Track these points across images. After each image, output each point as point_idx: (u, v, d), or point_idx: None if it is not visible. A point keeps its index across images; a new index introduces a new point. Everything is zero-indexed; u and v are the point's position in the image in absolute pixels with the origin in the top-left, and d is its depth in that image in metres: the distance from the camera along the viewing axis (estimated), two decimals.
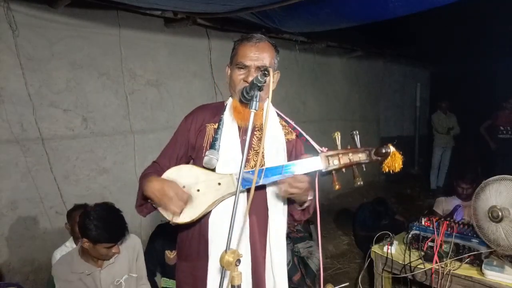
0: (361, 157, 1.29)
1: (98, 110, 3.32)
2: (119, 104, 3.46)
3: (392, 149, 1.25)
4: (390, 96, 7.53)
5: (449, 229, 2.54)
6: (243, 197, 1.41)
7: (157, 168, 1.50)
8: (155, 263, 2.71)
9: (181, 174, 1.39)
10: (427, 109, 8.58)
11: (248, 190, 1.32)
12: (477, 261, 2.37)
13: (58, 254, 2.45)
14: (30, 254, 2.96)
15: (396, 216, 4.75)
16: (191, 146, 1.50)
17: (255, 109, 1.18)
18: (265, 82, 1.20)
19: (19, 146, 2.87)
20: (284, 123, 1.56)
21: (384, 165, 1.31)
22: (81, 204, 2.56)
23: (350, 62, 6.28)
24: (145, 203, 1.45)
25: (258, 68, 1.38)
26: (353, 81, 6.46)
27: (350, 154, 1.30)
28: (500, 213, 2.21)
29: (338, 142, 1.38)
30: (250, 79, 1.34)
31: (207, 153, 1.39)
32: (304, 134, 1.50)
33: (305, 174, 1.36)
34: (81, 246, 1.99)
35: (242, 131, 1.44)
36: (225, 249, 1.10)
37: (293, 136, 1.55)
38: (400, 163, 1.28)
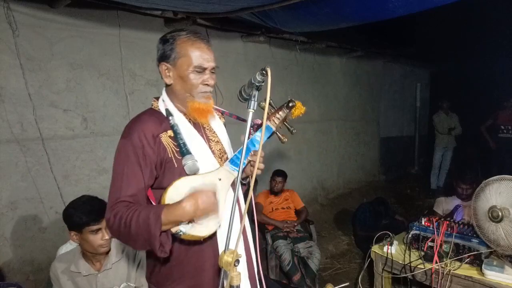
0: (281, 113, 1.52)
1: (98, 110, 3.32)
2: (119, 104, 3.46)
3: (295, 102, 1.50)
4: (390, 96, 7.53)
5: (449, 229, 2.54)
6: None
7: (134, 204, 1.28)
8: None
9: (182, 190, 1.30)
10: (427, 109, 8.59)
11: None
12: (477, 261, 2.37)
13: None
14: (30, 254, 2.96)
15: (396, 216, 4.76)
16: (153, 164, 1.34)
17: (253, 109, 1.21)
18: (263, 81, 1.22)
19: (19, 146, 2.87)
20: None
21: (292, 114, 1.52)
22: None
23: (350, 62, 6.28)
24: (162, 238, 1.26)
25: (213, 68, 1.41)
26: (353, 81, 6.46)
27: (277, 114, 1.51)
28: (500, 213, 2.21)
29: (266, 108, 1.51)
30: (211, 82, 1.39)
31: (185, 160, 1.33)
32: (232, 113, 1.61)
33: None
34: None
35: (197, 129, 1.46)
36: (224, 249, 1.11)
37: (223, 120, 1.64)
38: (303, 108, 1.51)
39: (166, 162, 1.34)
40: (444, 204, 3.55)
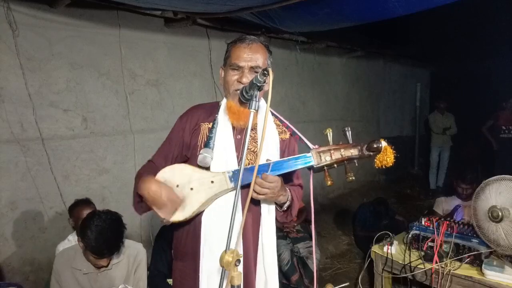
0: (352, 152, 1.29)
1: (98, 110, 3.32)
2: (119, 104, 3.45)
3: (384, 144, 1.26)
4: (390, 96, 7.53)
5: (449, 229, 2.54)
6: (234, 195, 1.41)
7: (152, 167, 1.49)
8: (164, 264, 2.68)
9: (175, 173, 1.39)
10: (427, 109, 8.59)
11: (242, 187, 1.30)
12: (477, 261, 2.37)
13: (61, 247, 2.46)
14: (30, 254, 2.95)
15: (396, 216, 4.76)
16: (185, 145, 1.50)
17: (254, 109, 1.19)
18: (264, 82, 1.21)
19: (19, 146, 2.87)
20: (278, 122, 1.57)
21: (376, 160, 1.31)
22: (82, 199, 2.57)
23: (350, 62, 6.28)
24: (141, 201, 1.44)
25: (252, 68, 1.39)
26: (353, 81, 6.46)
27: (342, 150, 1.31)
28: (500, 213, 2.21)
29: (330, 138, 1.39)
30: (244, 80, 1.36)
31: (201, 151, 1.40)
32: (297, 132, 1.52)
33: (297, 170, 1.42)
34: None
35: (236, 131, 1.46)
36: (225, 249, 1.10)
37: (287, 136, 1.56)
38: (392, 157, 1.28)
39: (194, 147, 1.48)
40: (444, 204, 3.55)
